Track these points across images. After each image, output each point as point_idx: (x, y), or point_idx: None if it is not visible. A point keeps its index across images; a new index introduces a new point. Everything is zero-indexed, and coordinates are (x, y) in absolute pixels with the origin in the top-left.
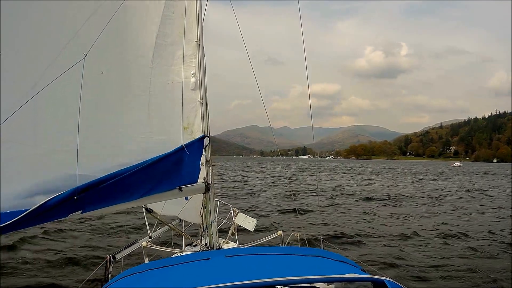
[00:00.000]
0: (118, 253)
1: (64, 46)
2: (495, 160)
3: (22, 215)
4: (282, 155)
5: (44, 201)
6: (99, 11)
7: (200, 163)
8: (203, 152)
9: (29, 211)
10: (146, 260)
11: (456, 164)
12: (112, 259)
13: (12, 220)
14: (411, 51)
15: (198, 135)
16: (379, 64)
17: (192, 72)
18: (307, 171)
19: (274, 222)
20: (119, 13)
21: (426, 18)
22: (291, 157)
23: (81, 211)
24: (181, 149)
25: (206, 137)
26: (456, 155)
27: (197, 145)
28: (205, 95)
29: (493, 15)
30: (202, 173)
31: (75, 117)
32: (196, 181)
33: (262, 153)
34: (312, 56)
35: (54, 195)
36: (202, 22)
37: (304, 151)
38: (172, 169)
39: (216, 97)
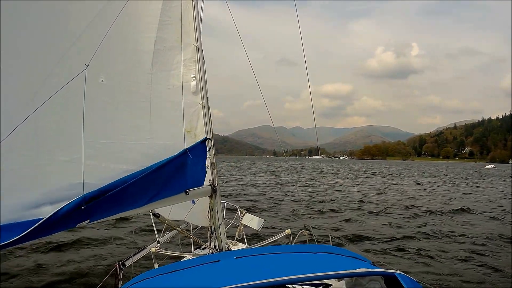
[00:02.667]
0: (127, 259)
1: (65, 56)
2: (510, 161)
3: (33, 227)
4: (295, 155)
5: (52, 212)
6: (97, 21)
7: (206, 165)
8: (207, 154)
9: (39, 223)
10: (156, 266)
11: (490, 166)
12: (121, 266)
13: (25, 233)
14: (423, 51)
15: (201, 138)
16: (391, 64)
17: (192, 76)
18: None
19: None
20: (117, 21)
21: (440, 18)
22: (304, 157)
23: (88, 220)
24: (184, 153)
25: (209, 139)
26: (471, 156)
27: (200, 147)
28: (207, 97)
29: (508, 15)
30: (208, 176)
31: (78, 126)
32: (202, 184)
33: (275, 153)
34: (326, 57)
35: (61, 206)
36: (199, 25)
37: (317, 151)
38: (176, 174)
39: (229, 97)
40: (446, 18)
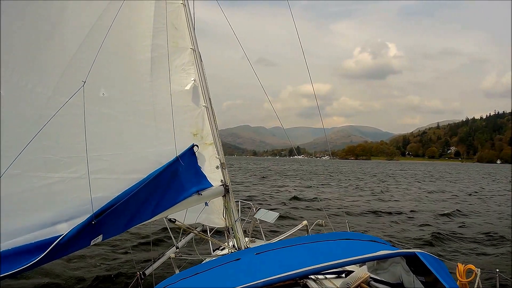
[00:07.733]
0: (147, 268)
1: (63, 76)
2: (498, 161)
3: (47, 251)
4: (275, 155)
5: (64, 234)
6: (90, 37)
7: (215, 166)
8: (216, 155)
9: (52, 246)
10: (177, 271)
11: None
12: (142, 275)
13: (41, 256)
14: (403, 52)
15: (209, 140)
16: (370, 65)
17: (192, 79)
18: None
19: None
20: (110, 34)
21: (422, 19)
22: (284, 157)
23: (101, 235)
24: (176, 161)
25: (196, 146)
26: (457, 156)
27: (188, 154)
28: (209, 99)
29: (491, 16)
30: (219, 176)
31: (83, 142)
32: (209, 185)
33: (255, 153)
34: (306, 57)
35: (73, 227)
36: (193, 28)
37: (298, 151)
38: (172, 180)
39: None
40: (426, 19)
